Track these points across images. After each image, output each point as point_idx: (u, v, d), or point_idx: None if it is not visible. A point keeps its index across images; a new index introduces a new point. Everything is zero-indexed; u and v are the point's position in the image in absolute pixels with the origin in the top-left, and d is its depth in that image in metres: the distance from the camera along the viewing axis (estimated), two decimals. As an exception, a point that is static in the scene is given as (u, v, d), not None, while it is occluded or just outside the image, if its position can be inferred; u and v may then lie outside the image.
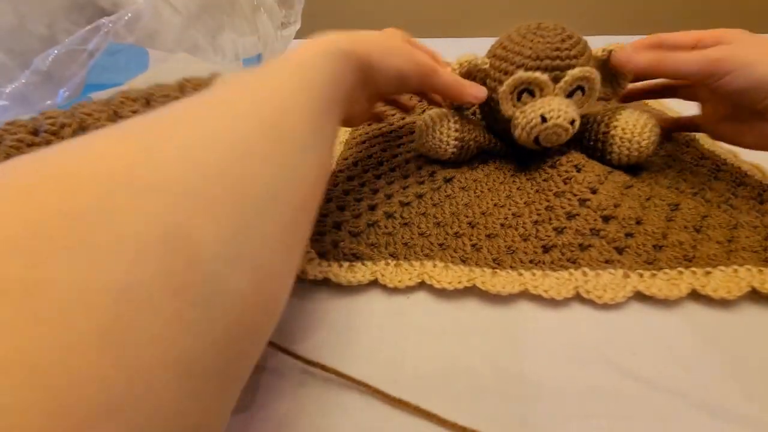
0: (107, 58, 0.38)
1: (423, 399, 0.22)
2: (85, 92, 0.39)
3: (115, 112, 0.26)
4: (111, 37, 0.38)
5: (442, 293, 0.28)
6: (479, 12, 1.20)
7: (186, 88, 0.29)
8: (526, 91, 0.35)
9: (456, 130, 0.37)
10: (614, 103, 0.44)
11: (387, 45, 0.30)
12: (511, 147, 0.40)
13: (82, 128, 0.25)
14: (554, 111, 0.32)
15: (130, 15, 0.39)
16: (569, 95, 0.35)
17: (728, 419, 0.21)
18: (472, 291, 0.28)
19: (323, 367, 0.23)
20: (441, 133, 0.37)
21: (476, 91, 0.35)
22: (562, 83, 0.34)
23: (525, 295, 0.28)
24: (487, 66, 0.37)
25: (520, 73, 0.34)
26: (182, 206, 0.14)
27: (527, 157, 0.39)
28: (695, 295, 0.27)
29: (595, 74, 0.34)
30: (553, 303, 0.28)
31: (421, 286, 0.29)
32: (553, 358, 0.25)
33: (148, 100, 0.27)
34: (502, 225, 0.32)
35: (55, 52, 0.37)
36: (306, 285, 0.29)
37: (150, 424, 0.11)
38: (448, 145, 0.37)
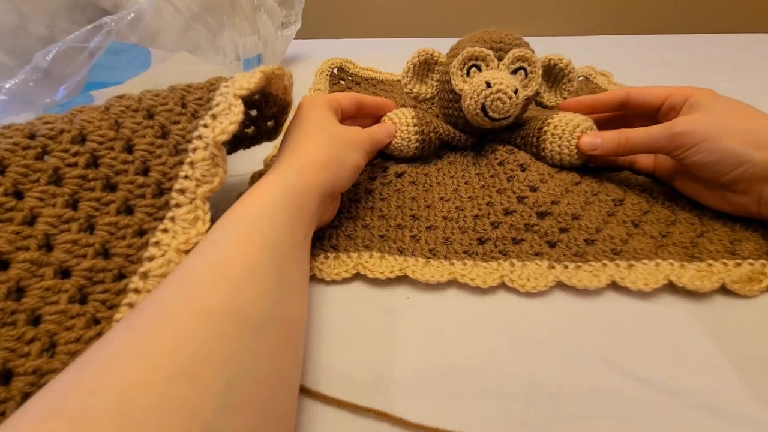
0: (109, 57, 0.38)
1: (423, 399, 0.23)
2: (86, 90, 0.39)
3: (116, 122, 0.26)
4: (113, 36, 0.38)
5: (441, 293, 0.28)
6: (479, 12, 1.20)
7: (186, 99, 0.28)
8: (474, 66, 0.38)
9: (415, 125, 0.39)
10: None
11: (335, 153, 0.30)
12: (470, 135, 0.42)
13: (81, 135, 0.25)
14: (497, 78, 0.35)
15: (132, 15, 0.39)
16: (513, 73, 0.37)
17: (728, 419, 0.21)
18: (472, 291, 0.28)
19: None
20: (402, 132, 0.39)
21: (387, 130, 0.38)
22: (505, 60, 0.37)
23: (526, 295, 0.28)
24: (441, 57, 0.41)
25: (468, 48, 0.37)
26: None
27: (483, 152, 0.40)
28: (696, 297, 0.27)
29: (536, 57, 0.38)
30: (554, 303, 0.28)
31: (421, 286, 0.29)
32: (553, 358, 0.25)
33: (150, 113, 0.27)
34: (444, 218, 0.34)
35: (56, 49, 0.37)
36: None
37: None
38: (410, 140, 0.39)
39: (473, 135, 0.42)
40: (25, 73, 0.37)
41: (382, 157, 0.41)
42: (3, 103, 0.36)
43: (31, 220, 0.23)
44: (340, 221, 0.34)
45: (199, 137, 0.27)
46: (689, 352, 0.25)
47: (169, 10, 0.43)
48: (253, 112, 0.34)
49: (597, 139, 0.35)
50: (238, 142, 0.35)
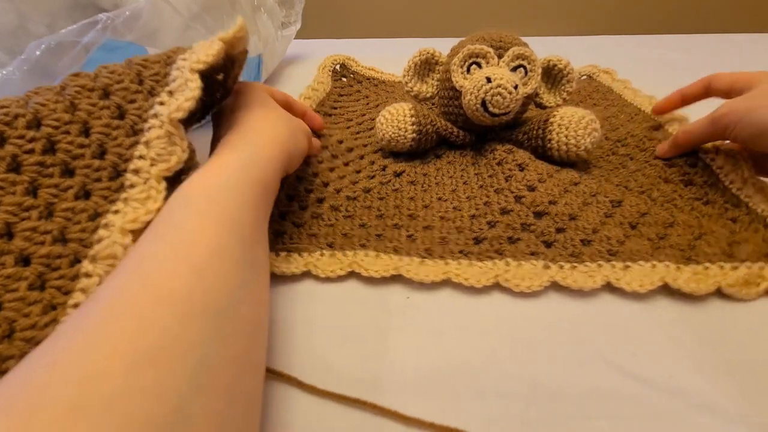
0: (105, 54, 0.38)
1: (423, 399, 0.23)
2: None
3: (72, 104, 0.25)
4: (108, 33, 0.38)
5: (441, 293, 0.28)
6: (479, 12, 1.20)
7: (143, 75, 0.27)
8: (475, 64, 0.38)
9: (413, 116, 0.39)
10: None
11: (291, 132, 0.30)
12: (470, 133, 0.42)
13: (37, 120, 0.24)
14: (497, 74, 0.36)
15: (128, 12, 0.39)
16: (513, 71, 0.38)
17: (728, 419, 0.21)
18: (472, 291, 0.28)
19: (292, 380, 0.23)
20: (399, 122, 0.39)
21: (317, 143, 0.40)
22: (505, 57, 0.38)
23: (526, 295, 0.28)
24: (442, 57, 0.41)
25: (469, 46, 0.38)
26: None
27: (482, 151, 0.41)
28: (696, 298, 0.27)
29: (535, 55, 0.38)
30: (554, 303, 0.28)
31: (422, 286, 0.29)
32: (553, 358, 0.25)
33: (107, 92, 0.26)
34: (441, 218, 0.34)
35: (49, 41, 0.37)
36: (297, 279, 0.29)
37: None
38: (407, 131, 0.39)
39: (473, 133, 0.42)
40: (16, 63, 0.36)
41: (381, 155, 0.41)
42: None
43: None
44: (337, 219, 0.34)
45: (155, 116, 0.26)
46: (689, 352, 0.25)
47: (167, 10, 0.43)
48: (220, 77, 0.33)
49: (662, 145, 0.39)
50: (209, 107, 0.34)
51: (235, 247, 0.21)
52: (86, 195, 0.24)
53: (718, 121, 0.33)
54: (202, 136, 0.33)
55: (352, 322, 0.27)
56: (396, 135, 0.39)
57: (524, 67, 0.38)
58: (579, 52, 0.75)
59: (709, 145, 0.37)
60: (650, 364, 0.24)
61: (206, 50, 0.27)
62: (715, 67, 0.69)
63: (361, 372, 0.24)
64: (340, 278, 0.30)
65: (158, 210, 0.24)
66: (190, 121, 0.32)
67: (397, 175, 0.39)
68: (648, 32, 0.89)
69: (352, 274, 0.30)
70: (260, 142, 0.27)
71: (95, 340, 0.15)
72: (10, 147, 0.23)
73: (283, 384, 0.24)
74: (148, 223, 0.24)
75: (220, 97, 0.34)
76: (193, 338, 0.17)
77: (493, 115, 0.37)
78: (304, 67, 0.68)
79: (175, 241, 0.20)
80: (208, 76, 0.29)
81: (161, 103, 0.26)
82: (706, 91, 0.38)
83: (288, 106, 0.37)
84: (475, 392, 0.23)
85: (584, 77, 0.63)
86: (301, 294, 0.29)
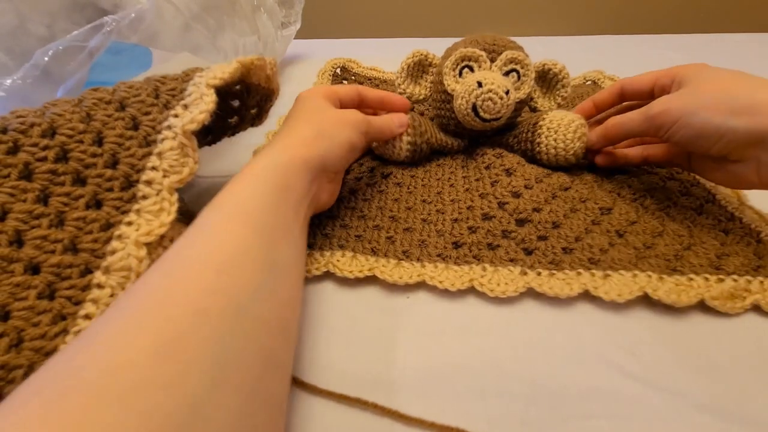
0: (110, 57, 0.38)
1: (424, 399, 0.23)
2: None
3: (88, 115, 0.26)
4: (114, 36, 0.38)
5: (442, 293, 0.28)
6: (479, 12, 1.20)
7: (160, 90, 0.28)
8: (467, 67, 0.38)
9: (408, 134, 0.38)
10: None
11: (323, 129, 0.30)
12: (462, 138, 0.42)
13: (52, 129, 0.25)
14: (488, 78, 0.36)
15: (134, 15, 0.39)
16: (505, 75, 0.38)
17: (728, 419, 0.21)
18: (471, 291, 0.28)
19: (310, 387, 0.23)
20: (394, 141, 0.38)
21: (399, 120, 0.38)
22: (497, 61, 0.38)
23: (526, 295, 0.28)
24: (436, 59, 0.41)
25: (461, 49, 0.38)
26: None
27: (472, 155, 0.40)
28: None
29: (529, 60, 0.38)
30: (554, 303, 0.28)
31: (421, 285, 0.29)
32: (553, 358, 0.25)
33: (123, 105, 0.26)
34: (423, 220, 0.34)
35: (56, 47, 0.37)
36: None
37: None
38: (401, 149, 0.39)
39: (465, 137, 0.42)
40: (24, 70, 0.37)
41: (371, 158, 0.41)
42: (1, 100, 0.36)
43: (1, 216, 0.22)
44: (320, 220, 0.34)
45: (169, 127, 0.26)
46: (689, 353, 0.25)
47: (169, 10, 0.43)
48: (236, 103, 0.34)
49: (591, 135, 0.36)
50: (222, 131, 0.34)
51: (259, 248, 0.21)
52: (98, 205, 0.25)
53: (653, 120, 0.31)
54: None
55: (352, 322, 0.27)
56: (390, 151, 0.39)
57: (517, 72, 0.38)
58: (579, 52, 0.75)
59: (636, 155, 0.37)
60: (650, 364, 0.24)
61: (223, 68, 0.28)
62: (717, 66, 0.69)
63: (362, 372, 0.24)
64: (340, 278, 0.30)
65: (171, 222, 0.25)
66: (202, 140, 0.32)
67: (384, 176, 0.39)
68: (648, 32, 0.89)
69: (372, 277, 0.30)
70: (283, 145, 0.28)
71: (125, 332, 0.17)
72: (23, 155, 0.24)
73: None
74: (162, 236, 0.24)
75: (235, 124, 0.35)
76: (213, 334, 0.17)
77: (484, 120, 0.36)
78: (304, 67, 0.67)
79: (201, 243, 0.21)
80: (223, 99, 0.29)
81: (175, 116, 0.27)
82: (619, 98, 0.37)
83: (360, 98, 0.37)
84: (475, 392, 0.23)
85: (589, 82, 0.62)
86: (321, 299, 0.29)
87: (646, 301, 0.27)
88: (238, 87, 0.32)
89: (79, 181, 0.25)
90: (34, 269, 0.22)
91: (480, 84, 0.35)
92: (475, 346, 0.25)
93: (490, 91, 0.35)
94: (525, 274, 0.29)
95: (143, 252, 0.24)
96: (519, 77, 0.38)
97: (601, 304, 0.27)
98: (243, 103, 0.34)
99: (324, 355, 0.25)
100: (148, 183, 0.25)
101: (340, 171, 0.32)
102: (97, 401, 0.14)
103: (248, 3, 0.55)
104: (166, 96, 0.27)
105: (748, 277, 0.28)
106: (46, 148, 0.24)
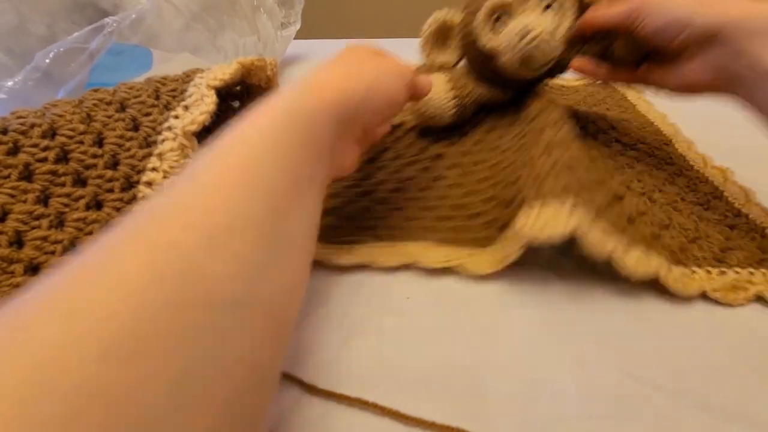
0: (111, 58, 0.38)
1: (423, 398, 0.23)
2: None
3: (88, 116, 0.26)
4: (114, 37, 0.38)
5: (442, 294, 0.29)
6: (479, 12, 1.20)
7: (160, 91, 0.28)
8: (501, 17, 0.35)
9: (452, 89, 0.37)
10: None
11: (364, 71, 0.25)
12: (508, 89, 0.39)
13: (52, 129, 0.25)
14: (531, 24, 0.33)
15: (134, 16, 0.39)
16: (545, 10, 0.35)
17: (728, 419, 0.21)
18: (472, 291, 0.28)
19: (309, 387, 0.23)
20: (438, 99, 0.37)
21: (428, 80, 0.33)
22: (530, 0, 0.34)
23: (526, 295, 0.28)
24: (457, 18, 0.38)
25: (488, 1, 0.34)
26: None
27: (520, 111, 0.38)
28: (697, 298, 0.27)
29: None
30: (554, 303, 0.28)
31: (421, 286, 0.29)
32: (553, 358, 0.25)
33: (123, 106, 0.26)
34: (483, 201, 0.33)
35: (57, 49, 0.37)
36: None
37: None
38: (447, 106, 0.37)
39: (512, 89, 0.39)
40: (26, 72, 0.37)
41: (415, 134, 0.39)
42: (2, 102, 0.36)
43: (2, 217, 0.22)
44: (385, 212, 0.33)
45: (169, 128, 0.26)
46: (689, 352, 0.25)
47: (170, 11, 0.43)
48: (236, 104, 0.34)
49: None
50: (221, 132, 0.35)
51: (263, 219, 0.17)
52: (98, 206, 0.25)
53: (633, 13, 0.32)
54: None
55: (352, 322, 0.27)
56: (435, 112, 0.36)
57: (556, 4, 0.34)
58: (579, 52, 0.75)
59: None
60: (650, 364, 0.24)
61: (223, 69, 0.28)
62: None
63: (362, 371, 0.24)
64: (346, 274, 0.30)
65: None
66: (201, 141, 0.33)
67: (436, 158, 0.37)
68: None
69: (357, 269, 0.30)
70: (311, 84, 0.22)
71: (62, 325, 0.12)
72: (23, 155, 0.24)
73: (283, 383, 0.24)
74: None
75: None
76: (186, 332, 0.13)
77: (536, 68, 0.34)
78: (304, 68, 0.67)
79: (188, 199, 0.16)
80: (224, 100, 0.29)
81: (176, 117, 0.27)
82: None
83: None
84: (475, 392, 0.23)
85: (599, 82, 0.62)
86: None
87: (645, 301, 0.28)
88: (238, 88, 0.32)
89: (80, 181, 0.25)
90: (34, 270, 0.22)
91: (525, 32, 0.32)
92: (475, 346, 0.25)
93: (535, 38, 0.32)
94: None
95: None
96: (558, 8, 0.34)
97: (601, 304, 0.28)
98: (243, 104, 0.34)
99: (324, 355, 0.25)
100: (149, 184, 0.25)
101: (373, 129, 0.28)
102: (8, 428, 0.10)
103: (248, 3, 0.55)
104: (166, 97, 0.28)
105: (751, 269, 0.28)
106: (46, 149, 0.24)
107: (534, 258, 0.29)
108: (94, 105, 0.26)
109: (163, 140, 0.26)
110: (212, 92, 0.27)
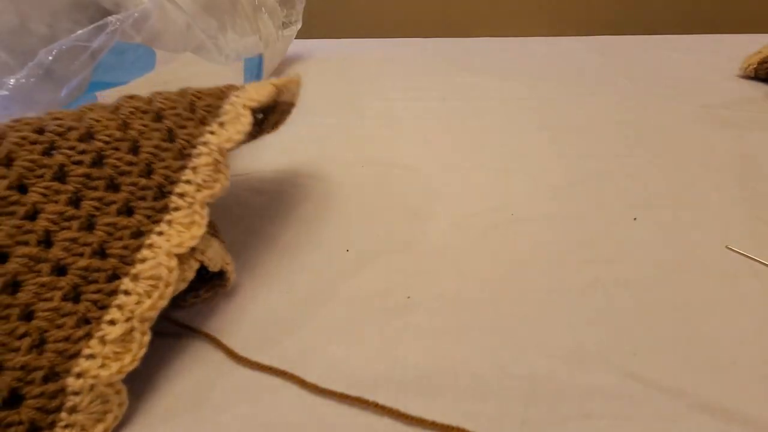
0: (113, 57, 0.38)
1: (423, 398, 0.23)
2: (90, 90, 0.39)
3: (125, 123, 0.26)
4: (117, 36, 0.38)
5: (442, 293, 0.29)
6: (479, 12, 1.20)
7: (196, 104, 0.28)
8: None
9: None
10: None
11: None
12: None
13: (89, 134, 0.25)
14: None
15: (137, 14, 0.39)
16: None
17: (728, 419, 0.21)
18: (472, 291, 0.28)
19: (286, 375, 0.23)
20: None
21: None
22: None
23: (526, 295, 0.28)
24: None
25: None
26: None
27: None
28: (697, 298, 0.27)
29: None
30: (554, 303, 0.28)
31: (422, 285, 0.29)
32: (553, 358, 0.25)
33: (159, 116, 0.27)
34: None
35: (61, 47, 0.37)
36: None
37: None
38: None
39: None
40: (28, 69, 0.37)
41: None
42: (4, 99, 0.36)
43: (32, 215, 0.23)
44: None
45: (205, 143, 0.27)
46: (689, 352, 0.25)
47: (172, 10, 0.43)
48: (260, 115, 0.35)
49: None
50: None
51: None
52: (129, 211, 0.25)
53: None
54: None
55: (353, 322, 0.27)
56: None
57: None
58: (579, 52, 0.75)
59: None
60: (650, 364, 0.24)
61: (259, 90, 0.29)
62: (716, 66, 0.70)
63: (363, 371, 0.24)
64: (346, 276, 0.30)
65: (202, 236, 0.25)
66: None
67: None
68: (648, 32, 0.88)
69: (356, 271, 0.30)
70: None
71: None
72: (59, 156, 0.24)
73: (285, 382, 0.24)
74: (193, 248, 0.24)
75: (254, 134, 0.35)
76: None
77: None
78: (304, 68, 0.68)
79: None
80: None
81: (212, 133, 0.28)
82: None
83: None
84: (475, 392, 0.23)
85: None
86: (303, 293, 0.29)
87: (645, 300, 0.28)
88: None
89: (113, 186, 0.25)
90: (60, 270, 0.22)
91: None
92: (475, 346, 0.25)
93: None
94: None
95: (174, 263, 0.24)
96: None
97: (601, 304, 0.28)
98: (266, 116, 0.35)
99: (324, 355, 0.25)
100: (181, 195, 0.26)
101: None
102: None
103: (249, 3, 0.55)
104: (202, 111, 0.28)
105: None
106: (83, 152, 0.25)
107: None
108: (131, 113, 0.27)
109: (199, 154, 0.27)
110: (248, 112, 0.28)
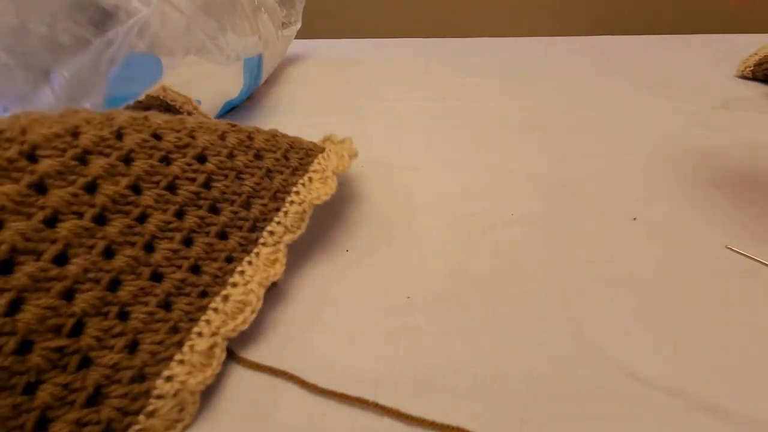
0: (122, 70, 0.39)
1: (423, 398, 0.23)
2: (108, 106, 0.39)
3: (231, 153, 0.28)
4: (126, 48, 0.39)
5: (442, 294, 0.29)
6: (479, 12, 1.20)
7: (289, 154, 0.32)
8: None
9: None
10: None
11: None
12: None
13: (203, 156, 0.27)
14: None
15: (140, 25, 0.39)
16: None
17: (728, 419, 0.21)
18: (472, 290, 0.28)
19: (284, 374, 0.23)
20: None
21: None
22: None
23: (526, 294, 0.28)
24: None
25: None
26: None
27: None
28: (697, 298, 0.27)
29: None
30: (554, 303, 0.28)
31: (422, 285, 0.29)
32: (553, 358, 0.25)
33: (260, 155, 0.30)
34: None
35: (74, 65, 0.37)
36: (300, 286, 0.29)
37: None
38: None
39: None
40: (50, 91, 0.37)
41: None
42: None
43: (142, 218, 0.23)
44: None
45: (297, 193, 0.30)
46: (689, 352, 0.25)
47: (171, 13, 0.43)
48: None
49: None
50: None
51: None
52: (224, 236, 0.27)
53: None
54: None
55: (353, 322, 0.27)
56: None
57: None
58: (579, 52, 0.75)
59: None
60: (650, 364, 0.24)
61: (341, 160, 0.33)
62: (717, 66, 0.70)
63: (363, 371, 0.24)
64: (347, 274, 0.30)
65: (283, 273, 0.27)
66: None
67: None
68: (648, 32, 0.89)
69: (357, 268, 0.30)
70: None
71: None
72: (175, 169, 0.26)
73: (284, 383, 0.24)
74: (275, 283, 0.27)
75: None
76: None
77: None
78: (304, 68, 0.68)
79: None
80: None
81: (303, 184, 0.31)
82: None
83: None
84: (475, 392, 0.23)
85: None
86: (303, 293, 0.29)
87: (645, 300, 0.28)
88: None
89: (215, 210, 0.27)
90: (158, 277, 0.23)
91: None
92: (475, 346, 0.25)
93: None
94: None
95: (262, 293, 0.25)
96: None
97: (600, 304, 0.28)
98: None
99: (324, 355, 0.25)
100: (271, 233, 0.28)
101: None
102: None
103: (248, 3, 0.55)
104: (295, 161, 0.32)
105: None
106: (196, 170, 0.26)
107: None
108: (236, 146, 0.29)
109: (291, 202, 0.30)
110: (335, 176, 0.31)
